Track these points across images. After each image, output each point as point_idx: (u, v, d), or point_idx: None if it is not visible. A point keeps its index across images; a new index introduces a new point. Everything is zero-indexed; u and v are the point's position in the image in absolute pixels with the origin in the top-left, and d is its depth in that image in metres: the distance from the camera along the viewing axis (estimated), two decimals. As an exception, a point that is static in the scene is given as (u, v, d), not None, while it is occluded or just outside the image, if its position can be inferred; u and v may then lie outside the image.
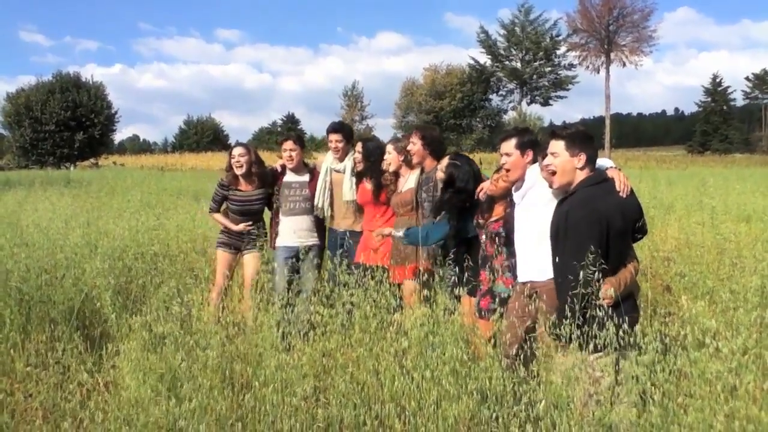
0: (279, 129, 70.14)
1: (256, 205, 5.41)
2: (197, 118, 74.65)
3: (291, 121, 73.50)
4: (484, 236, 4.01)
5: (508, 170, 3.74)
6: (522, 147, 3.71)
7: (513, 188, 3.76)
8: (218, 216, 5.50)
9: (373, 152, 5.10)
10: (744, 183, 14.81)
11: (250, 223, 5.35)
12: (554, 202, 3.34)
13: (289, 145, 5.37)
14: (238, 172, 5.31)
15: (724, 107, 75.14)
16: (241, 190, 5.37)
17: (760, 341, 2.49)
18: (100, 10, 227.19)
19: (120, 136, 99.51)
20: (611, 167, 3.37)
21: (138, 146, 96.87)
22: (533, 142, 3.75)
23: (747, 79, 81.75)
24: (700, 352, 2.39)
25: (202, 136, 71.04)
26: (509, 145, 3.73)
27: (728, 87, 76.50)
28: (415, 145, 4.76)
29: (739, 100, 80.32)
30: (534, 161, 3.65)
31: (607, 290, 2.94)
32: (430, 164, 4.71)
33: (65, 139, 49.88)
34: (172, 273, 5.01)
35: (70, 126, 49.83)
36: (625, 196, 3.16)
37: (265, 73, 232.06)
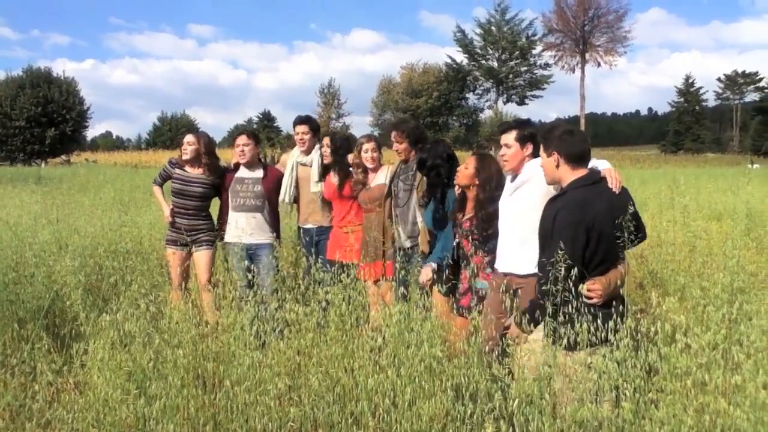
0: (255, 126, 69.42)
1: (195, 187, 5.25)
2: (171, 115, 73.49)
3: (267, 119, 72.87)
4: (457, 235, 4.01)
5: (506, 161, 3.73)
6: (522, 140, 3.69)
7: (509, 179, 3.75)
8: (157, 190, 5.47)
9: (342, 146, 5.09)
10: (715, 182, 15.05)
11: (171, 215, 5.25)
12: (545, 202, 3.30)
13: (242, 140, 5.31)
14: (184, 157, 5.29)
15: (697, 108, 76.37)
16: (185, 171, 5.31)
17: (729, 337, 2.52)
18: (68, 3, 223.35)
19: (92, 132, 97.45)
20: (607, 168, 3.27)
21: (111, 143, 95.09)
22: (533, 135, 3.72)
23: (719, 80, 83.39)
24: (670, 347, 2.41)
25: (176, 132, 69.93)
26: (509, 137, 3.71)
27: (700, 88, 77.94)
28: (402, 144, 4.76)
29: (711, 101, 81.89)
30: (534, 155, 3.63)
31: (592, 287, 2.93)
32: (414, 155, 4.72)
33: (36, 135, 48.81)
34: (143, 271, 4.92)
35: (41, 122, 48.78)
36: (617, 191, 3.11)
37: (241, 70, 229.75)
